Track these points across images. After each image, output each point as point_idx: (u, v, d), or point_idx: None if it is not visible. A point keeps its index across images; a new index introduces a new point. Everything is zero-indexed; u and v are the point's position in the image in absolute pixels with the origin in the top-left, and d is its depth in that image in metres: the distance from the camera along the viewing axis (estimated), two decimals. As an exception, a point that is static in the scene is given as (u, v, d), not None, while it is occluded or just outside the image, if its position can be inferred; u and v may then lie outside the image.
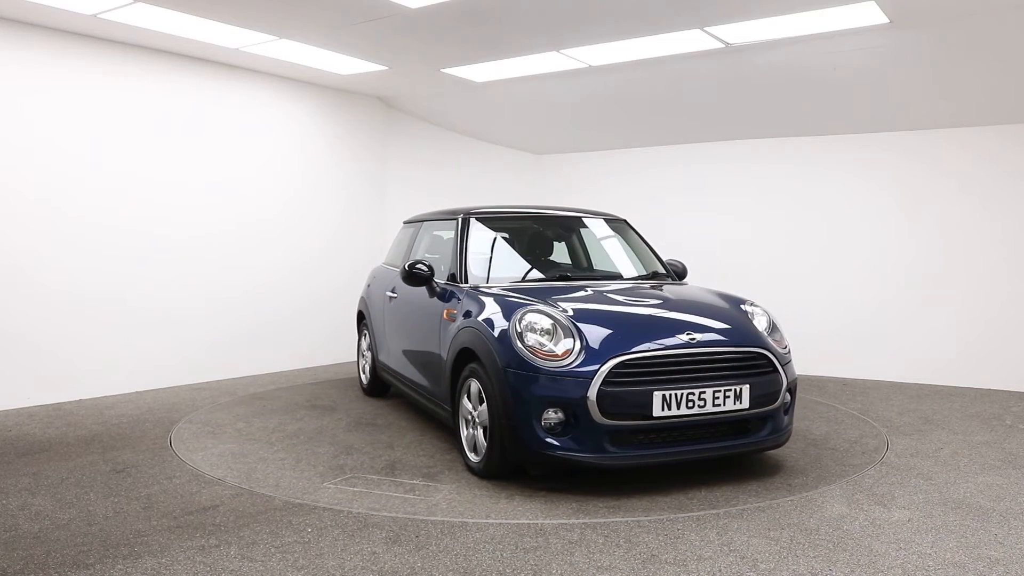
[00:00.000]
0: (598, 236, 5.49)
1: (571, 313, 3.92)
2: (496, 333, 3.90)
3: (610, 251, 5.43)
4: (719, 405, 3.73)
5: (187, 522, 3.36)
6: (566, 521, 3.41)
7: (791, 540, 3.19)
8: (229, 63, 6.74)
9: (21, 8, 5.23)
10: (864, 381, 7.01)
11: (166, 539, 3.17)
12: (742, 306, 4.33)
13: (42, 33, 5.65)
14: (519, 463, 3.88)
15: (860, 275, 7.21)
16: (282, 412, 5.59)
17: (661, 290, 4.62)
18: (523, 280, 4.71)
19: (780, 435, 4.04)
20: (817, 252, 7.44)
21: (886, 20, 5.04)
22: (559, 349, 3.72)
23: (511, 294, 4.28)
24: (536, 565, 2.94)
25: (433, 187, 8.51)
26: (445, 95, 7.70)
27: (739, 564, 2.95)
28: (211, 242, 6.76)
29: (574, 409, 3.61)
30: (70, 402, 5.78)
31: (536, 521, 3.41)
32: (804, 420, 5.42)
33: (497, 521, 3.40)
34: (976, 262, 6.68)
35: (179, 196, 6.51)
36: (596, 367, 3.61)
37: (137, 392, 6.19)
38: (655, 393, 3.62)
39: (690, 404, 3.67)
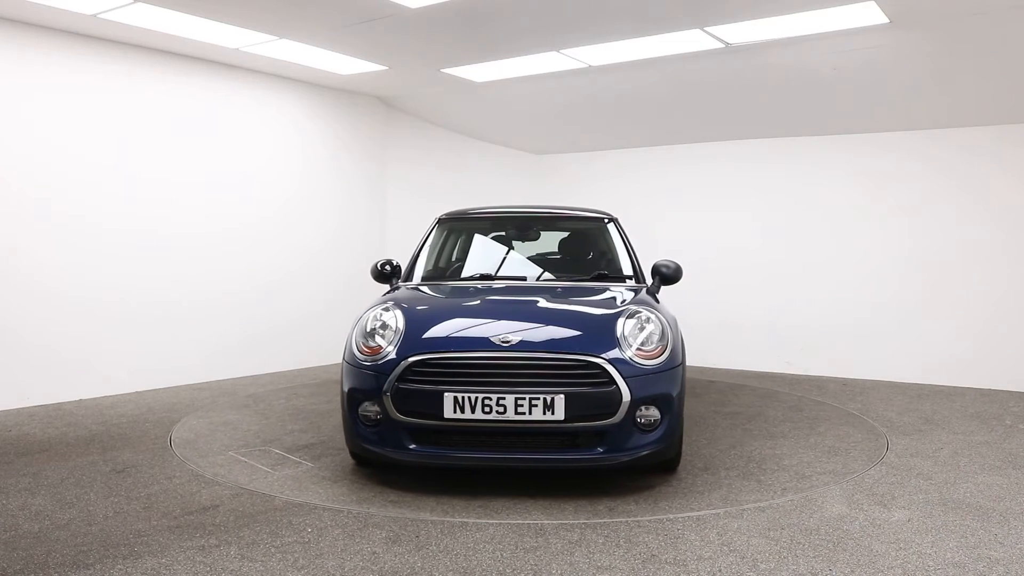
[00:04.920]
0: (569, 235, 5.48)
1: (404, 310, 4.02)
2: (351, 328, 4.16)
3: (569, 251, 5.41)
4: (523, 414, 3.55)
5: (187, 522, 3.36)
6: (566, 521, 3.41)
7: (791, 540, 3.19)
8: (229, 63, 6.74)
9: (21, 8, 5.23)
10: (864, 381, 7.01)
11: (166, 539, 3.17)
12: (622, 311, 3.96)
13: (42, 33, 5.65)
14: (354, 453, 4.04)
15: (860, 275, 7.21)
16: (323, 394, 5.93)
17: (553, 292, 4.49)
18: (450, 279, 4.89)
19: (620, 455, 3.65)
20: (817, 252, 7.44)
21: (886, 20, 5.04)
22: (382, 345, 3.82)
23: (402, 292, 4.50)
24: (536, 565, 2.94)
25: (433, 187, 8.52)
26: (445, 95, 7.70)
27: (739, 564, 2.95)
28: (211, 242, 6.76)
29: (379, 405, 3.72)
30: (70, 402, 5.78)
31: (536, 521, 3.41)
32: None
33: (497, 521, 3.40)
34: (976, 262, 6.68)
35: (179, 196, 6.51)
36: (397, 364, 3.68)
37: (137, 392, 6.19)
38: (446, 394, 3.58)
39: (486, 409, 3.55)
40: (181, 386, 6.46)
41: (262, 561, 2.96)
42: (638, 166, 8.50)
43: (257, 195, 7.13)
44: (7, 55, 5.50)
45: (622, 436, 3.65)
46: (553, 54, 6.07)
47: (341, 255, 7.87)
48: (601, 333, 3.82)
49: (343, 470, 4.18)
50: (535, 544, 3.15)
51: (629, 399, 3.61)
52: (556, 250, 5.46)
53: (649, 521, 3.41)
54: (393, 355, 3.74)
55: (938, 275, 6.85)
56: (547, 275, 5.03)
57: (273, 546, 3.11)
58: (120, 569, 2.88)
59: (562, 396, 3.56)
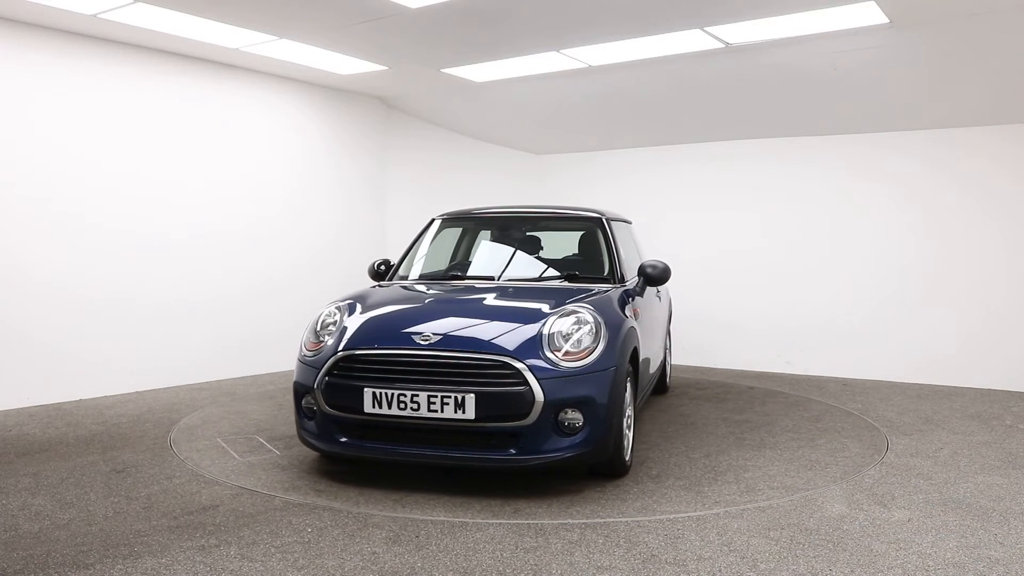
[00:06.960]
0: (555, 236, 5.49)
1: (352, 307, 4.17)
2: None
3: (552, 250, 5.40)
4: (435, 411, 3.59)
5: (187, 522, 3.37)
6: (566, 521, 3.41)
7: (791, 540, 3.19)
8: (229, 63, 6.74)
9: (21, 8, 5.23)
10: (864, 381, 7.01)
11: (166, 539, 3.17)
12: (557, 311, 3.90)
13: (42, 33, 5.65)
14: (303, 444, 4.14)
15: (860, 275, 7.21)
16: None
17: (505, 291, 4.46)
18: (429, 279, 4.98)
19: (534, 457, 3.59)
20: (817, 252, 7.44)
21: (886, 20, 5.04)
22: (326, 340, 3.98)
23: (368, 290, 4.63)
24: (536, 565, 2.94)
25: (433, 187, 8.51)
26: (445, 95, 7.70)
27: (739, 564, 2.95)
28: (211, 242, 6.76)
29: (314, 398, 3.88)
30: (70, 402, 5.78)
31: (536, 521, 3.41)
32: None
33: (497, 521, 3.40)
34: (976, 262, 6.68)
35: (179, 196, 6.51)
36: (329, 359, 3.83)
37: (137, 392, 6.19)
38: (366, 390, 3.70)
39: (401, 406, 3.63)
40: (181, 386, 6.46)
41: (262, 561, 2.96)
42: (638, 166, 8.49)
43: (257, 195, 7.13)
44: (7, 55, 5.50)
45: (538, 438, 3.59)
46: (553, 54, 6.07)
47: (341, 255, 7.87)
48: (523, 333, 3.76)
49: (300, 461, 4.30)
50: (535, 544, 3.15)
51: (543, 400, 3.56)
52: (540, 250, 5.43)
53: (649, 521, 3.41)
54: (328, 351, 3.89)
55: (938, 275, 6.85)
56: (521, 274, 4.94)
57: (273, 546, 3.11)
58: (120, 569, 2.88)
59: (472, 395, 3.57)
